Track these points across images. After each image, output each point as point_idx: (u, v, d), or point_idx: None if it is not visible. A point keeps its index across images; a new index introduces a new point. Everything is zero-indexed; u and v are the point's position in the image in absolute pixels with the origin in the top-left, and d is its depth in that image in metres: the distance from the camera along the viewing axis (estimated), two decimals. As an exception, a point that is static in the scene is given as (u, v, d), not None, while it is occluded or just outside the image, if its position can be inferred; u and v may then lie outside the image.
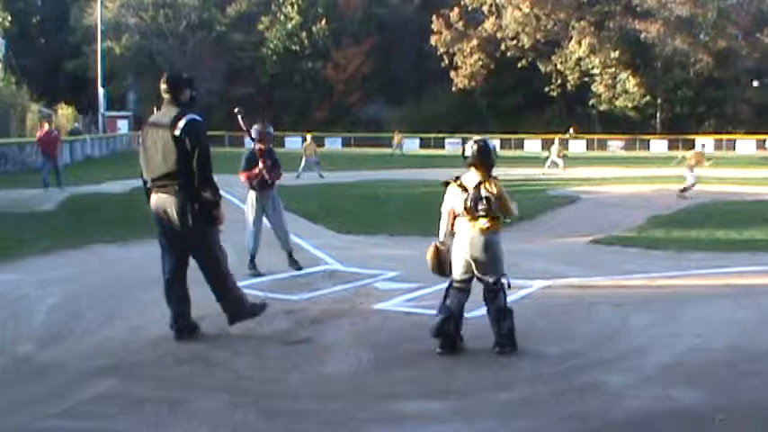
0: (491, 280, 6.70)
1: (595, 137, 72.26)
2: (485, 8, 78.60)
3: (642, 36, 73.48)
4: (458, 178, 6.88)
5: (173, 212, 6.85)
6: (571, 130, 72.37)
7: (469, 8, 78.91)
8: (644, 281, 9.88)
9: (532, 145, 73.29)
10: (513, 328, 6.70)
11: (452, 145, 75.66)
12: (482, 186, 6.68)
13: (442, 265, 6.89)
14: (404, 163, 43.88)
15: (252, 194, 10.39)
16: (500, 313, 6.70)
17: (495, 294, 6.71)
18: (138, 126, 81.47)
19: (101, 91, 60.38)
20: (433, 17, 77.88)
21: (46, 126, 25.88)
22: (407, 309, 8.23)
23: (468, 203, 6.67)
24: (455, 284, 6.83)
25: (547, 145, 71.49)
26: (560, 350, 6.72)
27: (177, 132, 6.73)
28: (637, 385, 5.80)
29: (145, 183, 7.14)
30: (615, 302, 8.46)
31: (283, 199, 10.93)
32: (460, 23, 78.54)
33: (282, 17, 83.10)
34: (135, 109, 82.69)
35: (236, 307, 7.16)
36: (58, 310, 8.12)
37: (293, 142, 66.29)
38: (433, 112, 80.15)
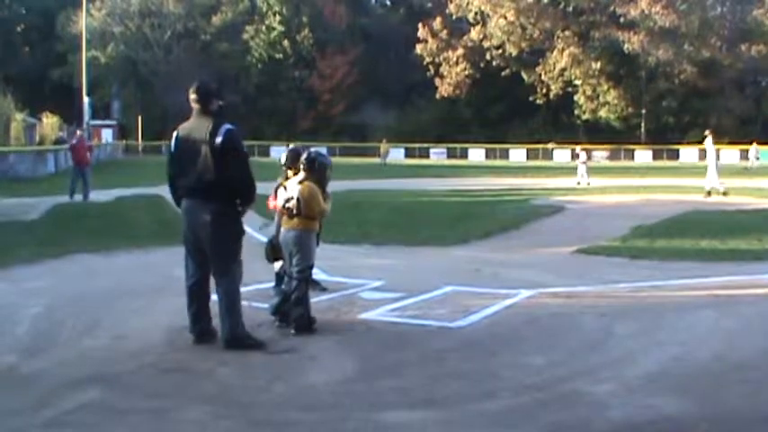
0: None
1: (580, 147, 72.35)
2: (470, 16, 78.91)
3: (626, 47, 73.95)
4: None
5: (203, 218, 6.90)
6: (549, 145, 72.43)
7: (454, 17, 79.19)
8: (628, 290, 9.91)
9: (518, 154, 73.53)
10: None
11: (437, 155, 75.97)
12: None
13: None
14: (388, 173, 43.92)
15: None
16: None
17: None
18: (123, 135, 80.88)
19: (86, 100, 60.18)
20: (420, 25, 78.16)
21: (79, 133, 28.17)
22: (392, 318, 8.21)
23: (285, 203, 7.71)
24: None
25: (533, 154, 72.16)
26: (545, 359, 6.73)
27: (218, 144, 6.79)
28: (621, 394, 5.81)
29: (173, 188, 7.24)
30: (599, 312, 8.48)
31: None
32: (444, 32, 78.82)
33: (264, 27, 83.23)
34: (119, 118, 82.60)
35: (235, 330, 7.01)
36: (41, 320, 8.06)
37: (278, 152, 66.09)
38: (418, 121, 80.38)
